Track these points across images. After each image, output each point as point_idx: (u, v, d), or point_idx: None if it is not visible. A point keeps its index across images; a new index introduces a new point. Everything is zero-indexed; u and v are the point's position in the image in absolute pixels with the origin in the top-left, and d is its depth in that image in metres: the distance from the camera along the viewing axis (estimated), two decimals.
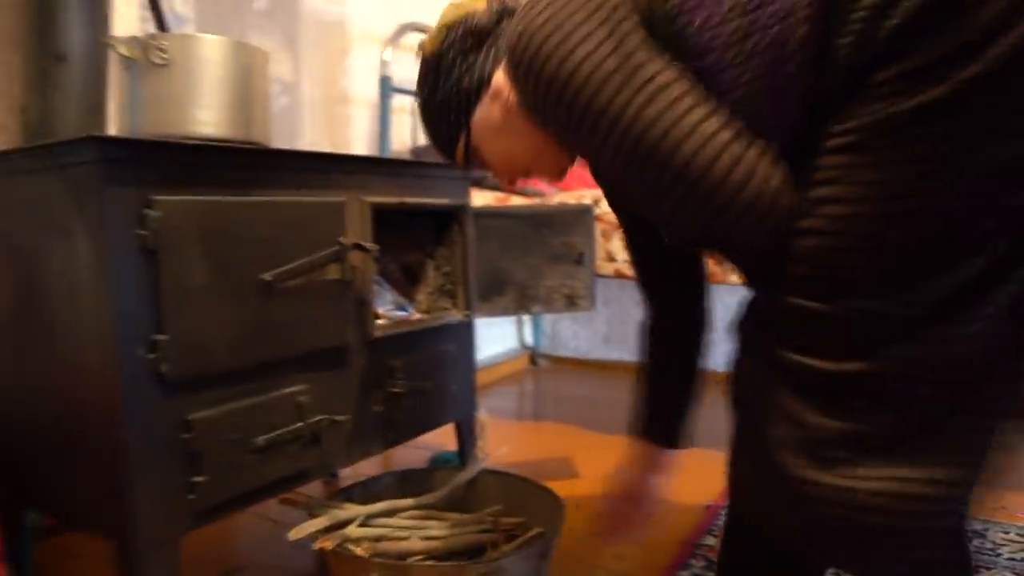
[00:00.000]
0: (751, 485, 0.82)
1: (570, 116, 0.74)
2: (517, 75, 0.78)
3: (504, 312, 1.61)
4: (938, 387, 0.69)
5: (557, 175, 1.00)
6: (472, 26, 0.91)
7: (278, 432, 1.12)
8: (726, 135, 0.70)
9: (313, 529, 1.17)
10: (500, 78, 0.89)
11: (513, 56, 0.77)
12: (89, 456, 1.01)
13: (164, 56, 1.03)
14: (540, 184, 2.29)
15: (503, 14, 0.92)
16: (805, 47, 0.66)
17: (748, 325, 0.83)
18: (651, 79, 0.70)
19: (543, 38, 0.73)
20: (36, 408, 1.09)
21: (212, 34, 1.83)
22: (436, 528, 1.28)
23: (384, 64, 2.32)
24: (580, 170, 2.60)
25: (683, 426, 1.16)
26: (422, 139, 2.58)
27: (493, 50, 0.91)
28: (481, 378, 2.82)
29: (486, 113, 0.93)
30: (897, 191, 0.65)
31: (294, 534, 1.15)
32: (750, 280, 0.83)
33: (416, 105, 1.03)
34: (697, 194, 0.71)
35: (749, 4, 0.68)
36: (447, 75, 0.93)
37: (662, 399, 1.17)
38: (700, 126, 0.70)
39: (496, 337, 3.10)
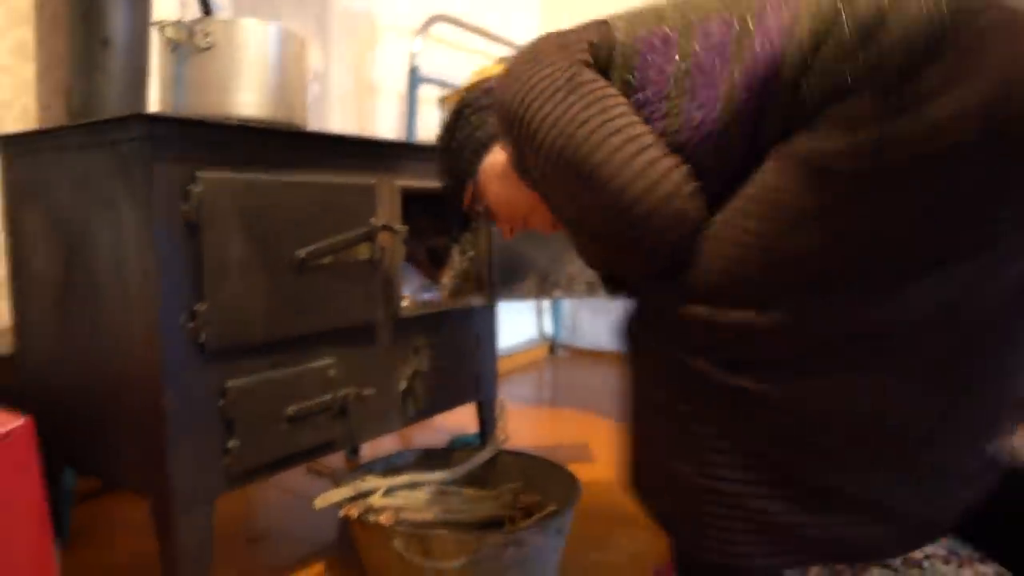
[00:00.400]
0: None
1: (521, 125, 0.82)
2: (499, 116, 0.89)
3: (526, 296, 1.65)
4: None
5: (550, 227, 1.08)
6: (489, 88, 1.03)
7: (308, 403, 1.17)
8: (648, 139, 0.77)
9: (338, 498, 1.22)
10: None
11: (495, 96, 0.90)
12: (131, 418, 1.06)
13: (208, 40, 1.08)
14: None
15: None
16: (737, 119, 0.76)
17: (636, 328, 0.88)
18: (590, 90, 0.79)
19: (512, 78, 0.84)
20: (80, 373, 1.14)
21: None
22: (456, 502, 1.32)
23: (413, 55, 2.37)
24: None
25: None
26: None
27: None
28: (502, 366, 2.86)
29: (493, 161, 1.04)
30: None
31: (320, 502, 1.20)
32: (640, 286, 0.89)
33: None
34: (612, 189, 0.76)
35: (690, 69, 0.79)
36: (463, 126, 1.06)
37: None
38: (627, 129, 0.76)
39: (517, 327, 3.15)
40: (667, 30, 0.82)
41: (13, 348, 1.30)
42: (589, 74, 0.80)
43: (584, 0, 3.26)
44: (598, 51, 0.84)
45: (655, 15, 0.85)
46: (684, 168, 0.77)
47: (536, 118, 0.80)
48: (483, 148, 1.05)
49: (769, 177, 0.75)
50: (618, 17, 0.88)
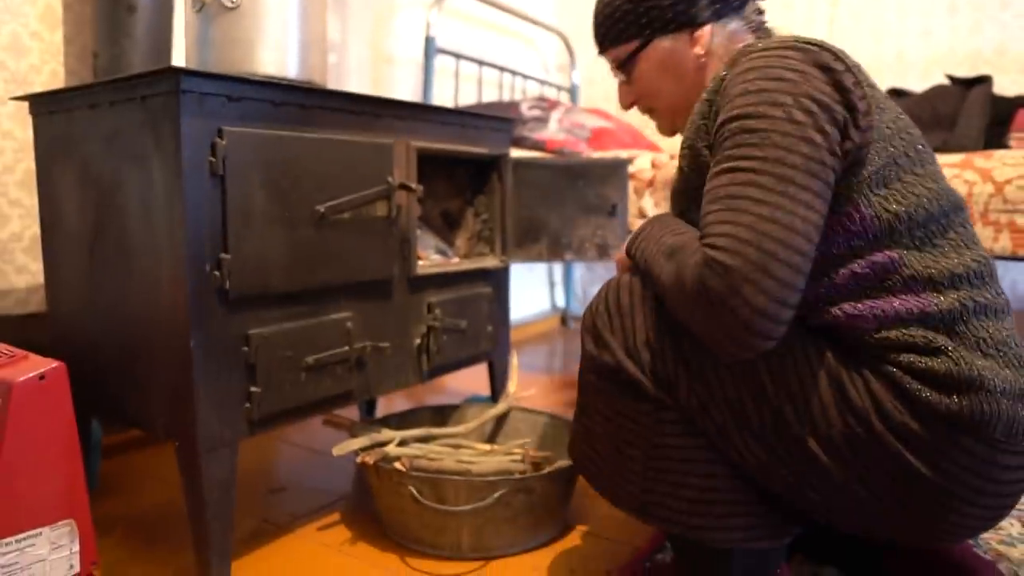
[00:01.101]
0: None
1: (737, 121, 0.83)
2: (722, 87, 0.89)
3: (538, 258, 1.68)
4: None
5: (669, 129, 1.11)
6: None
7: (326, 353, 1.21)
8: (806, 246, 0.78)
9: (355, 447, 1.26)
10: (706, 35, 1.02)
11: (734, 74, 0.88)
12: (158, 365, 1.11)
13: (235, 0, 1.11)
14: (579, 147, 2.35)
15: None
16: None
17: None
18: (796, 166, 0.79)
19: (758, 100, 0.82)
20: (110, 324, 1.19)
21: None
22: (468, 454, 1.37)
23: (429, 25, 2.39)
24: (617, 132, 2.66)
25: None
26: (463, 99, 2.65)
27: (718, 4, 1.02)
28: (515, 336, 2.91)
29: (674, 46, 1.05)
30: None
31: (337, 450, 1.25)
32: None
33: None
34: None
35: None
36: None
37: None
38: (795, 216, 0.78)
39: (530, 299, 3.19)
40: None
41: (45, 305, 1.35)
42: (816, 135, 0.81)
43: None
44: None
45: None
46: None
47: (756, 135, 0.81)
48: (671, 26, 1.04)
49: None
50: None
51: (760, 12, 1.07)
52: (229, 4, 1.11)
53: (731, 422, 0.89)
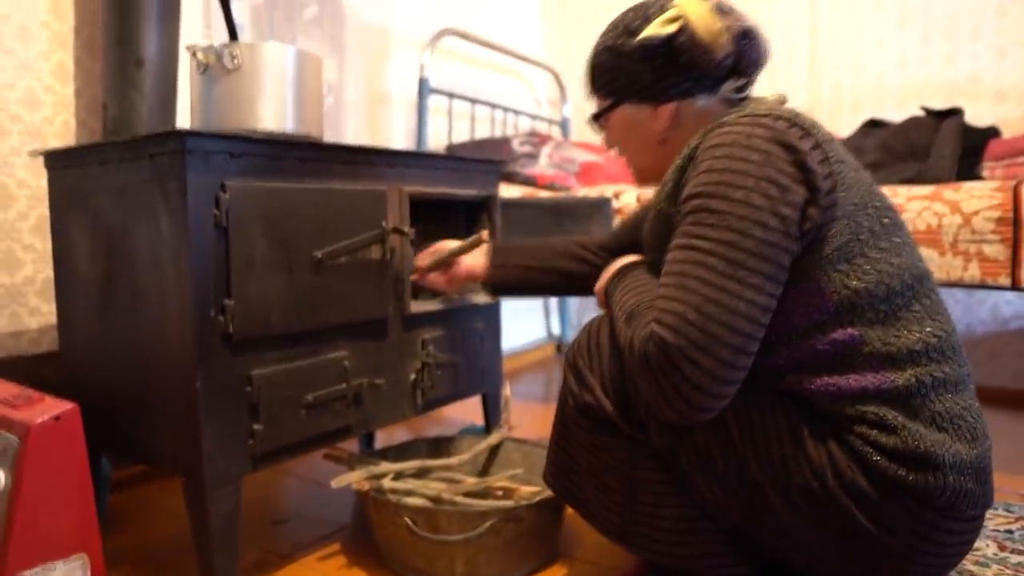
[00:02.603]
0: None
1: (703, 198, 0.87)
2: (694, 157, 0.93)
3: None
4: None
5: (639, 181, 1.18)
6: (699, 53, 0.98)
7: (325, 391, 1.28)
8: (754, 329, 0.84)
9: (352, 479, 1.33)
10: (668, 112, 1.04)
11: (704, 148, 0.91)
12: (166, 404, 1.17)
13: (236, 62, 1.19)
14: (568, 181, 2.43)
15: (728, 76, 1.03)
16: None
17: None
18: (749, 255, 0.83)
19: (720, 179, 0.86)
20: (120, 365, 1.26)
21: (267, 39, 2.01)
22: (462, 486, 1.43)
23: (423, 67, 2.48)
24: (606, 166, 2.73)
25: (514, 271, 1.39)
26: (457, 137, 2.74)
27: (688, 84, 1.02)
28: (510, 365, 2.97)
29: (638, 115, 1.07)
30: None
31: (336, 483, 1.31)
32: None
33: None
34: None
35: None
36: (650, 60, 1.01)
37: (531, 251, 1.40)
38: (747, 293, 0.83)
39: (525, 327, 3.25)
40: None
41: (58, 344, 1.42)
42: (775, 223, 0.84)
43: (583, 16, 3.37)
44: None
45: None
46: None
47: (730, 198, 0.85)
48: (643, 95, 1.04)
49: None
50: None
51: (741, 89, 1.05)
52: (230, 65, 1.19)
53: (697, 466, 0.94)
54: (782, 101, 1.02)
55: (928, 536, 0.88)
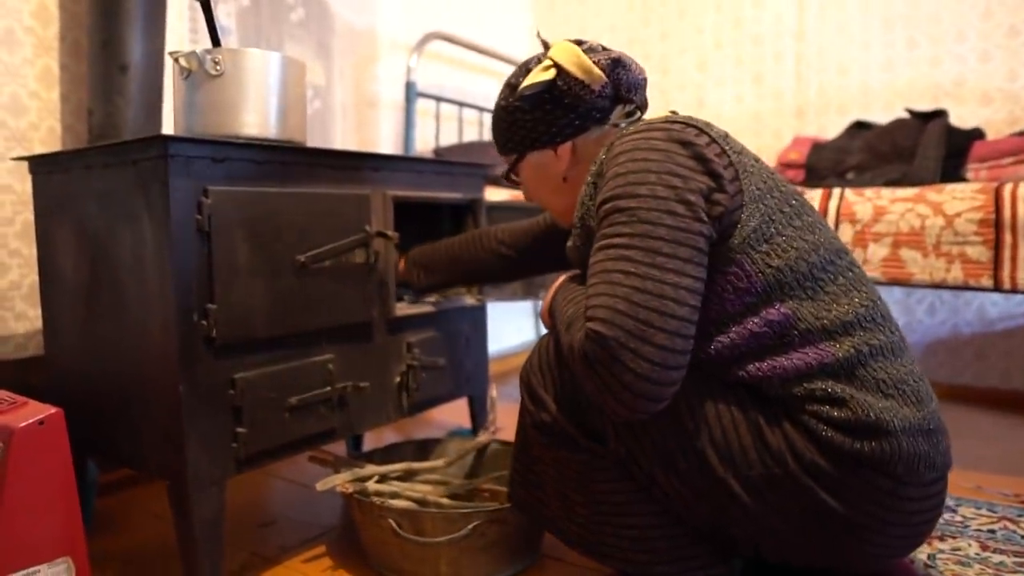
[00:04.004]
0: None
1: (621, 197, 0.91)
2: (602, 172, 0.98)
3: (512, 297, 1.76)
4: None
5: (564, 222, 1.21)
6: (579, 89, 1.06)
7: (309, 394, 1.29)
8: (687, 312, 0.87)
9: (338, 482, 1.33)
10: (567, 151, 1.11)
11: (608, 158, 0.97)
12: (150, 408, 1.18)
13: (219, 68, 1.20)
14: None
15: (613, 105, 1.10)
16: None
17: None
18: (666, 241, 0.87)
19: (626, 181, 0.91)
20: (104, 369, 1.26)
21: (253, 44, 2.02)
22: (447, 488, 1.44)
23: (410, 70, 2.49)
24: None
25: (436, 268, 1.53)
26: (444, 140, 2.75)
27: (578, 121, 1.09)
28: (499, 367, 2.98)
29: (541, 160, 1.14)
30: None
31: (321, 485, 1.31)
32: None
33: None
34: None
35: None
36: (539, 108, 1.10)
37: (452, 248, 1.52)
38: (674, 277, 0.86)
39: (514, 330, 3.26)
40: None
41: (43, 349, 1.43)
42: (681, 209, 0.89)
43: (575, 18, 3.39)
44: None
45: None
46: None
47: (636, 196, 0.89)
48: (542, 141, 1.11)
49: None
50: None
51: (631, 113, 1.11)
52: (213, 71, 1.20)
53: (658, 466, 0.96)
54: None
55: (890, 505, 0.90)
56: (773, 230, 0.93)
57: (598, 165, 1.01)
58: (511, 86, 1.13)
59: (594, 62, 1.05)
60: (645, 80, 1.11)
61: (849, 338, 0.91)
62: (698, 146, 0.92)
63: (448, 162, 1.65)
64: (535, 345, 1.09)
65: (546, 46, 1.11)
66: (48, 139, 1.63)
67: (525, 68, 1.13)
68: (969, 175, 2.11)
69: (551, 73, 1.06)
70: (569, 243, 1.10)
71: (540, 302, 3.38)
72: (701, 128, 0.95)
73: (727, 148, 0.94)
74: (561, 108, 1.08)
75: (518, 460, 1.12)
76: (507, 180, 1.22)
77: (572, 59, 1.05)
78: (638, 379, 0.82)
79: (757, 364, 0.92)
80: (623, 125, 1.10)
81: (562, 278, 1.12)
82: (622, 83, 1.08)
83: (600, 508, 1.01)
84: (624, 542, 1.00)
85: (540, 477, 1.07)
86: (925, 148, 2.14)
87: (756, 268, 0.91)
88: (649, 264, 0.85)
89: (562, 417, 1.00)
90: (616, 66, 1.07)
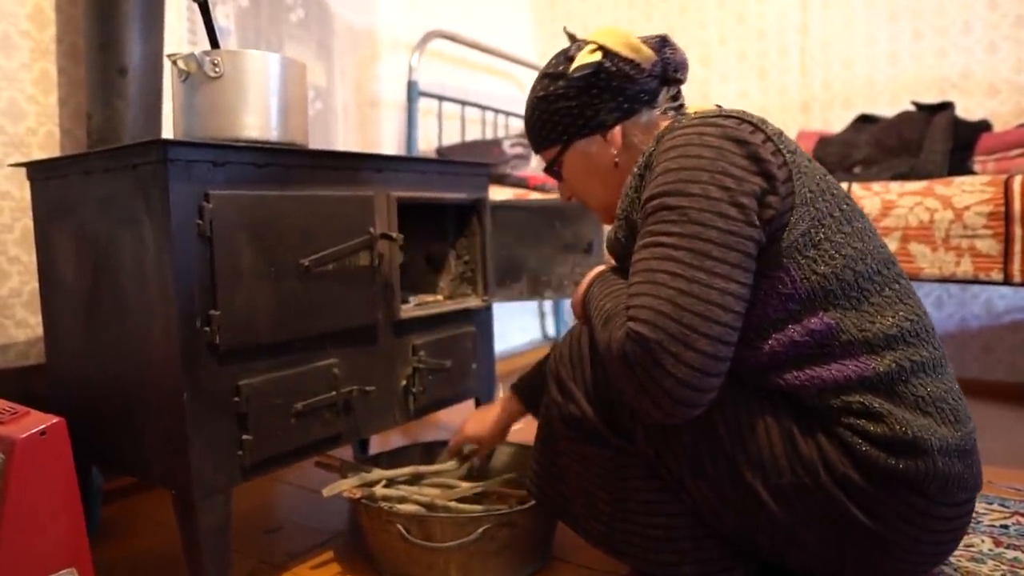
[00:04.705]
0: None
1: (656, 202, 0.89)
2: (650, 164, 0.94)
3: (519, 297, 1.75)
4: None
5: (607, 220, 1.16)
6: (629, 69, 1.03)
7: (315, 399, 1.27)
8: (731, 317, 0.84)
9: (344, 487, 1.32)
10: (617, 136, 1.06)
11: (658, 152, 0.93)
12: (154, 416, 1.16)
13: (217, 70, 1.18)
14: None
15: (660, 86, 1.06)
16: None
17: None
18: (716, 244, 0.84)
19: (676, 178, 0.88)
20: (106, 376, 1.25)
21: (252, 45, 2.00)
22: (455, 492, 1.42)
23: (412, 69, 2.47)
24: None
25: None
26: (447, 140, 2.73)
27: (627, 104, 1.05)
28: (505, 367, 2.96)
29: (589, 148, 1.09)
30: None
31: (327, 491, 1.30)
32: None
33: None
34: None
35: None
36: (585, 93, 1.06)
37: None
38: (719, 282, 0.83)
39: (520, 329, 3.24)
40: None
41: (45, 357, 1.41)
42: (734, 211, 0.85)
43: (576, 14, 3.37)
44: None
45: None
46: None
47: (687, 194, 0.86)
48: (587, 129, 1.07)
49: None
50: None
51: (676, 97, 1.09)
52: (212, 73, 1.18)
53: (687, 469, 0.94)
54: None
55: (922, 523, 0.88)
56: (822, 235, 0.89)
57: (645, 157, 0.97)
58: (549, 76, 1.09)
59: (642, 41, 1.03)
60: (687, 61, 1.09)
61: (891, 352, 0.88)
62: (753, 144, 0.88)
63: (452, 161, 1.63)
64: (565, 335, 1.07)
65: (572, 38, 1.08)
66: (47, 144, 1.62)
67: (564, 57, 1.09)
68: (976, 167, 2.09)
69: (598, 55, 1.03)
70: (610, 235, 1.06)
71: (545, 302, 3.38)
72: (756, 124, 0.91)
73: (782, 147, 0.90)
74: (609, 91, 1.05)
75: (541, 453, 1.09)
76: (549, 174, 1.17)
77: (620, 39, 1.02)
78: (678, 384, 0.79)
79: (795, 373, 0.90)
80: (672, 108, 1.08)
81: (597, 269, 1.08)
82: (670, 62, 1.06)
83: (626, 506, 0.99)
84: (650, 542, 0.98)
85: (564, 472, 1.05)
86: (932, 141, 2.11)
87: (801, 274, 0.88)
88: (697, 267, 0.82)
89: (592, 412, 0.98)
90: (664, 45, 1.05)
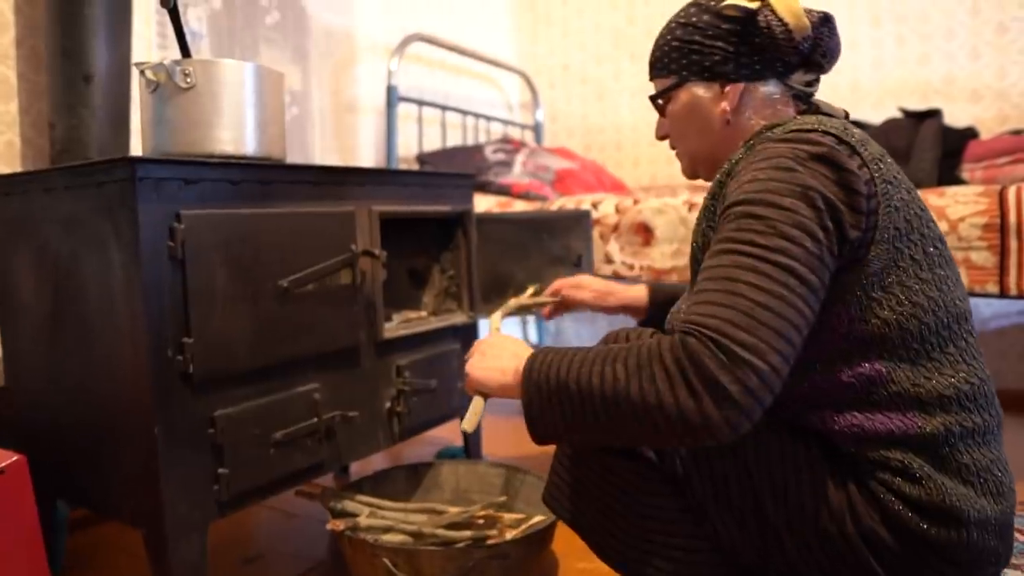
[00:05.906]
0: None
1: (746, 197, 0.82)
2: (733, 172, 0.89)
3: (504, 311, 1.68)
4: None
5: (689, 173, 1.09)
6: (779, 31, 0.95)
7: (295, 427, 1.20)
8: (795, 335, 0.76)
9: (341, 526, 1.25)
10: (736, 92, 0.98)
11: (747, 160, 0.86)
12: (122, 451, 1.09)
13: (189, 80, 1.11)
14: (544, 190, 2.37)
15: (800, 64, 0.98)
16: None
17: None
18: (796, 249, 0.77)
19: (765, 188, 0.81)
20: (71, 406, 1.17)
21: (226, 49, 1.92)
22: (442, 519, 1.36)
23: (391, 73, 2.41)
24: (581, 173, 2.67)
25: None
26: (428, 145, 2.66)
27: (759, 66, 0.97)
28: None
29: (703, 94, 1.01)
30: None
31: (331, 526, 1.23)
32: None
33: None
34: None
35: None
36: (724, 38, 0.97)
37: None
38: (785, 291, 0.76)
39: None
40: None
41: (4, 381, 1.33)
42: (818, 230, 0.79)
43: (557, 18, 3.31)
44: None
45: None
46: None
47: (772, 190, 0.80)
48: (710, 74, 0.99)
49: None
50: None
51: (811, 84, 1.00)
52: (183, 84, 1.11)
53: (711, 496, 0.89)
54: (845, 116, 0.98)
55: None
56: (893, 278, 0.82)
57: (731, 164, 0.91)
58: (699, 5, 1.00)
59: (806, 10, 0.96)
60: (840, 52, 1.01)
61: (943, 414, 0.83)
62: (848, 171, 0.81)
63: (435, 173, 1.57)
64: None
65: None
66: (7, 154, 1.53)
67: None
68: (965, 175, 2.07)
69: (757, 3, 0.96)
70: (696, 226, 0.99)
71: (530, 317, 3.32)
72: (855, 147, 0.83)
73: (876, 175, 0.83)
74: (748, 45, 0.96)
75: (559, 461, 1.03)
76: (652, 103, 1.09)
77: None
78: (744, 392, 0.72)
79: (835, 416, 0.85)
80: (800, 94, 1.00)
81: (529, 350, 0.96)
82: (821, 45, 0.98)
83: (645, 524, 0.93)
84: (667, 564, 0.92)
85: (584, 484, 0.98)
86: (921, 149, 2.09)
87: (863, 315, 0.82)
88: (782, 284, 0.75)
89: None
90: (824, 23, 0.98)
